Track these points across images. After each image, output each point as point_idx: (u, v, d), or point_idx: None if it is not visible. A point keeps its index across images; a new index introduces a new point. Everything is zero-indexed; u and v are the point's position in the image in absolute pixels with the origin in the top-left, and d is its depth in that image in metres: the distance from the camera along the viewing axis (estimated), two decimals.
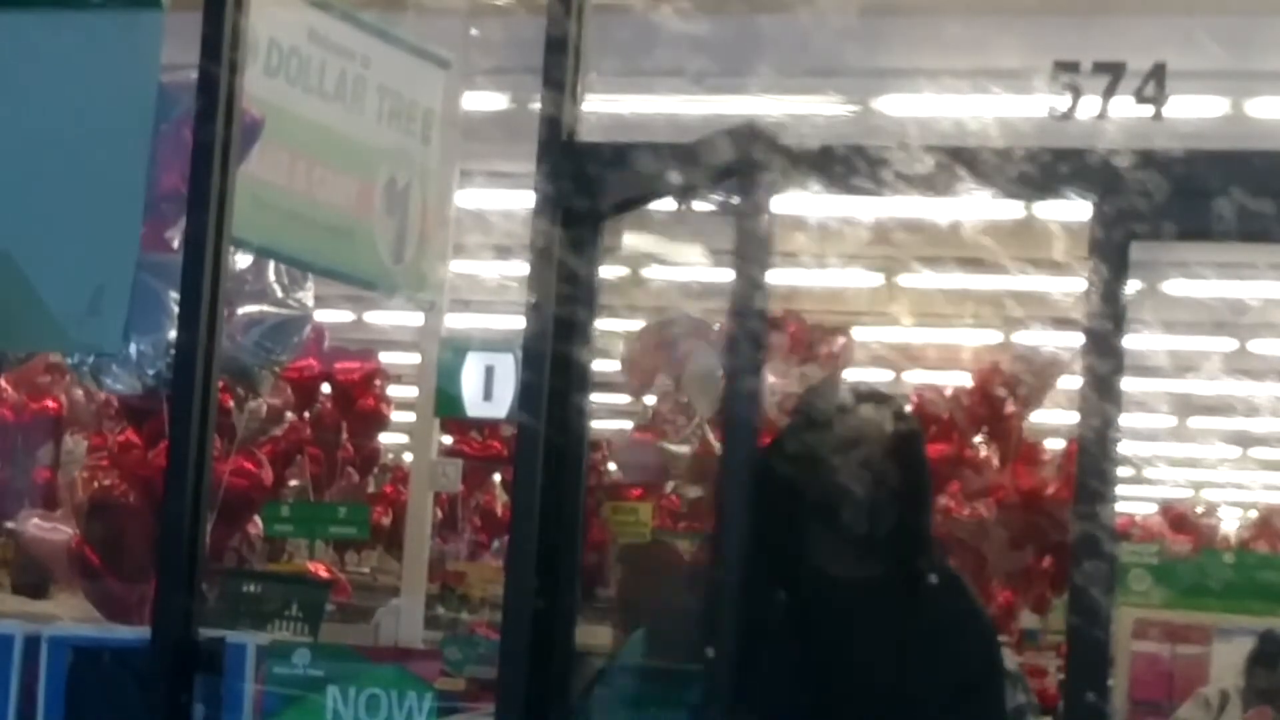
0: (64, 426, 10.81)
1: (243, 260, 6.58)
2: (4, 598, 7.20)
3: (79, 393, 10.49)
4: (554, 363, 4.48)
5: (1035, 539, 13.03)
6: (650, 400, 13.00)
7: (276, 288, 7.01)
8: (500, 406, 9.61)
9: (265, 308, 7.03)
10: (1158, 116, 4.04)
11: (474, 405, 9.72)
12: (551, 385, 4.42)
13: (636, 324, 12.99)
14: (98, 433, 10.57)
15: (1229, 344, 14.57)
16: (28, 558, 9.65)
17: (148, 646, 4.20)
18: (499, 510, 17.92)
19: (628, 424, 13.55)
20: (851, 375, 12.93)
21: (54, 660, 4.25)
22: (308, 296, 7.18)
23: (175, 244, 5.58)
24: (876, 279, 13.30)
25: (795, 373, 12.15)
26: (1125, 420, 4.01)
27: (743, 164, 3.82)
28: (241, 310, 6.84)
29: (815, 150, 4.29)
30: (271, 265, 6.90)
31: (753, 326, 3.72)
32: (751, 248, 3.77)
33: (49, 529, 10.01)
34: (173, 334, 4.82)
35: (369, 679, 4.19)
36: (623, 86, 7.74)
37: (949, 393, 13.16)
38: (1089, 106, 4.06)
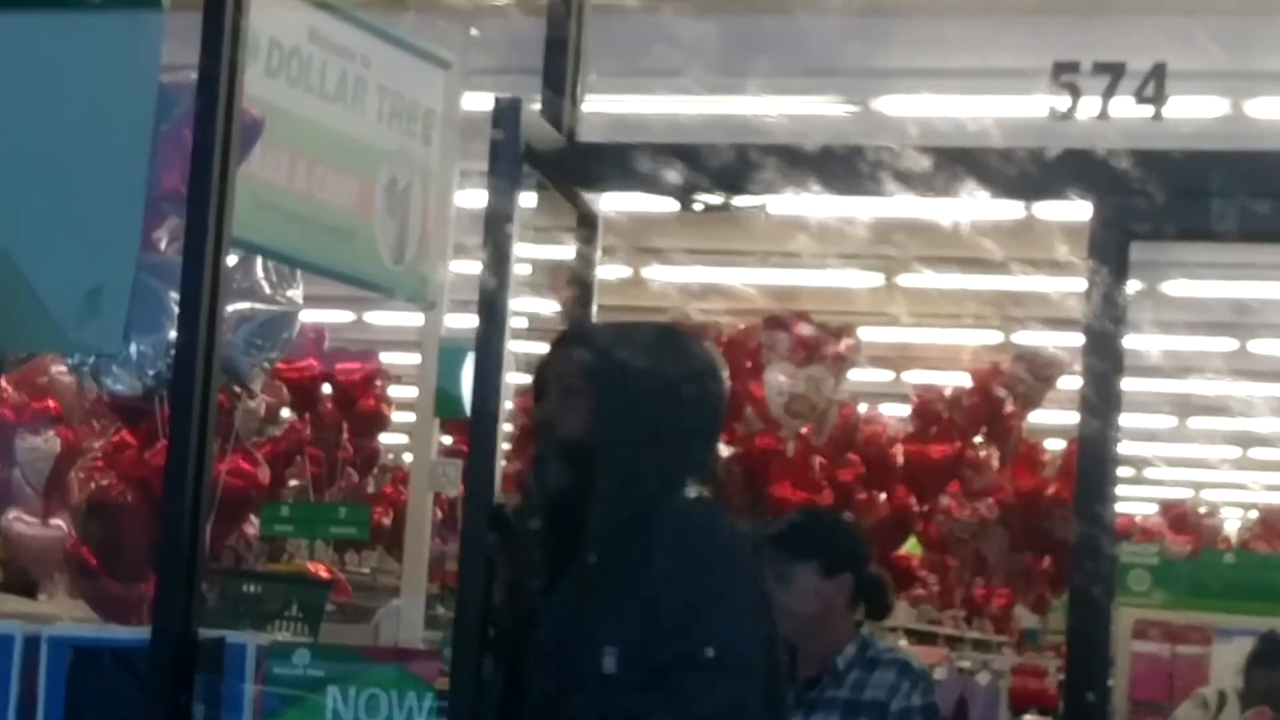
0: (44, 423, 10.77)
1: (230, 257, 6.57)
2: (4, 598, 7.20)
3: (68, 380, 10.45)
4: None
5: (1035, 539, 13.03)
6: None
7: (264, 284, 7.01)
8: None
9: (254, 305, 7.02)
10: (1158, 116, 4.04)
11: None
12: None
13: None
14: (68, 426, 10.56)
15: (1229, 344, 14.57)
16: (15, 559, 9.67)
17: (148, 646, 4.21)
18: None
19: None
20: (856, 373, 12.92)
21: (54, 660, 4.25)
22: (297, 293, 7.18)
23: (163, 245, 5.58)
24: (876, 279, 13.29)
25: (801, 374, 12.15)
26: (1125, 420, 4.01)
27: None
28: (230, 308, 6.83)
29: (815, 150, 4.29)
30: (259, 262, 6.90)
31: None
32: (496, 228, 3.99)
33: (35, 526, 10.04)
34: (173, 334, 4.81)
35: (369, 679, 4.19)
36: (623, 86, 7.74)
37: (949, 393, 13.15)
38: (1089, 106, 4.06)
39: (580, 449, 3.76)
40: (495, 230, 4.04)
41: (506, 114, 4.06)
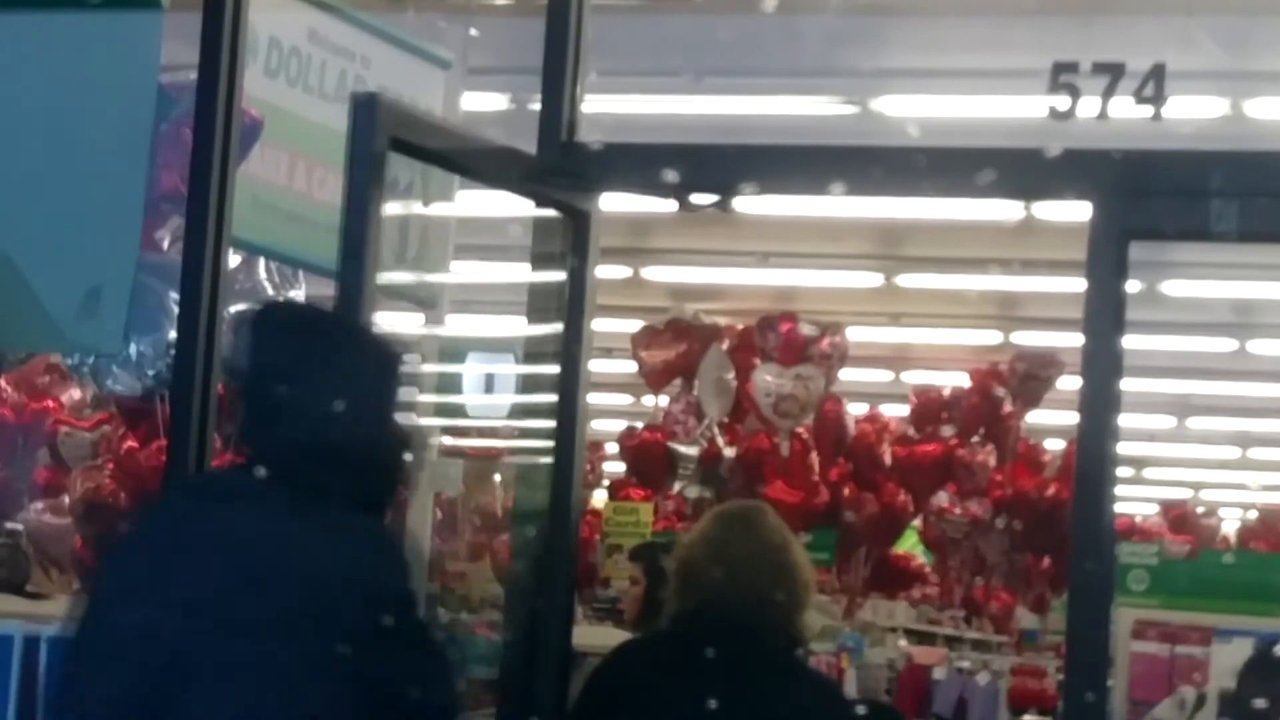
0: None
1: (233, 258, 6.56)
2: (4, 598, 7.21)
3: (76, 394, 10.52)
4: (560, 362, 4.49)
5: (1035, 539, 13.02)
6: (661, 400, 12.98)
7: (267, 285, 7.00)
8: (500, 407, 9.61)
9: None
10: (1158, 116, 4.04)
11: (473, 405, 9.72)
12: (551, 385, 4.42)
13: (635, 324, 13.00)
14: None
15: (1229, 344, 14.56)
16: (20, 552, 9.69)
17: None
18: (499, 511, 17.89)
19: (625, 424, 13.56)
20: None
21: (54, 660, 4.25)
22: (300, 294, 7.18)
23: (165, 245, 5.58)
24: (876, 279, 13.29)
25: (789, 373, 12.13)
26: (1125, 420, 4.02)
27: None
28: (232, 308, 6.80)
29: (815, 150, 4.29)
30: (262, 263, 6.89)
31: None
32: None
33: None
34: (173, 334, 4.82)
35: None
36: (623, 86, 7.74)
37: (948, 393, 13.14)
38: (1089, 106, 4.07)
39: None
40: (354, 220, 4.03)
41: (363, 108, 4.06)
